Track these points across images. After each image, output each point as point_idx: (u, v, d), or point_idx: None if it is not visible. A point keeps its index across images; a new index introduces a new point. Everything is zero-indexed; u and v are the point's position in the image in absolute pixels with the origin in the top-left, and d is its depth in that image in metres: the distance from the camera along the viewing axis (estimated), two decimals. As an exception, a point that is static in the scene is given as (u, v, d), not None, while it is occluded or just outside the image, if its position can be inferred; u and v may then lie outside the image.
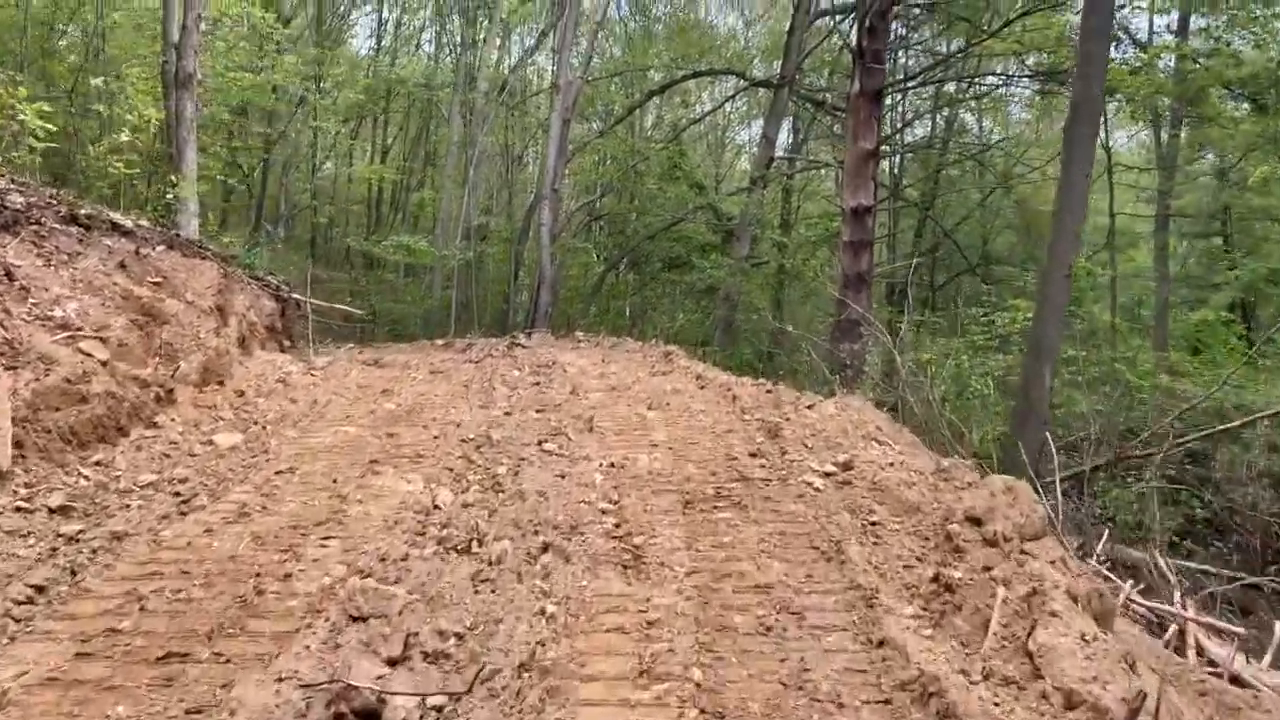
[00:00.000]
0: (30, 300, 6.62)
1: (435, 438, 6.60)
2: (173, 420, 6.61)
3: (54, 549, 4.45)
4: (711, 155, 36.66)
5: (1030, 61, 21.70)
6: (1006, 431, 9.52)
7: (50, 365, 5.89)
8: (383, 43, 33.96)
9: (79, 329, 6.56)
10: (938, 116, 27.91)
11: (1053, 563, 4.52)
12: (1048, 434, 9.04)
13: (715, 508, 5.08)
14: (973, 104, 25.35)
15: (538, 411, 7.12)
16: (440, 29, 29.23)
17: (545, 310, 20.70)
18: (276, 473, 5.73)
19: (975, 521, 4.72)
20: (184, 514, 5.00)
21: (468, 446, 6.09)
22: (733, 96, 26.85)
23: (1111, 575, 6.57)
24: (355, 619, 3.66)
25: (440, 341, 14.97)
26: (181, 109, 11.62)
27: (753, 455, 6.04)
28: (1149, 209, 28.89)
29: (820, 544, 4.56)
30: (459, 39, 24.79)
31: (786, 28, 23.45)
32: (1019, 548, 4.58)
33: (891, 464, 5.69)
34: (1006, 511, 4.73)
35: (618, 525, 4.76)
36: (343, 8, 30.59)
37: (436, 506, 5.06)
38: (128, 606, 3.87)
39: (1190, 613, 5.68)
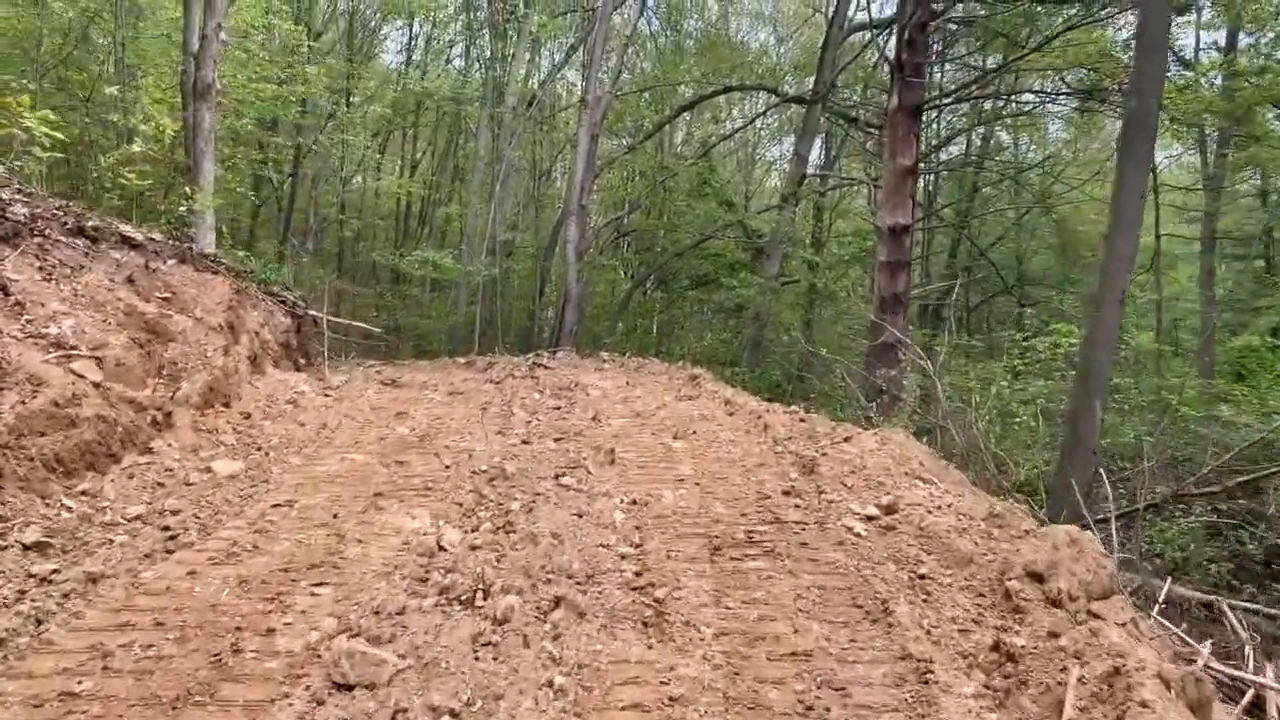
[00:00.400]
0: (25, 317, 6.29)
1: (447, 468, 6.19)
2: (170, 446, 6.24)
3: (22, 592, 4.06)
4: (741, 172, 36.29)
5: (1070, 78, 21.16)
6: (1053, 464, 8.97)
7: (38, 387, 5.54)
8: (413, 57, 33.93)
9: (74, 348, 6.22)
10: (973, 134, 27.37)
11: (1123, 625, 4.04)
12: (1100, 469, 8.50)
13: (746, 554, 4.62)
14: (1009, 122, 24.74)
15: (556, 440, 6.70)
16: (470, 43, 29.04)
17: (570, 328, 20.33)
18: (274, 505, 5.33)
19: (1036, 577, 4.24)
20: (170, 552, 4.61)
21: (480, 479, 5.66)
22: (764, 113, 26.43)
23: (1177, 630, 6.02)
24: (340, 687, 3.23)
25: (462, 360, 14.62)
26: (199, 120, 11.36)
27: (786, 494, 5.57)
28: (1189, 229, 28.19)
29: (864, 601, 4.09)
30: (488, 54, 24.52)
31: (820, 43, 23.06)
32: (1086, 608, 4.10)
33: (939, 506, 5.21)
34: (1071, 567, 4.24)
35: (638, 574, 4.32)
36: (374, 22, 30.55)
37: (442, 548, 4.64)
38: (90, 664, 3.47)
39: (1271, 677, 5.14)
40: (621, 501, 5.34)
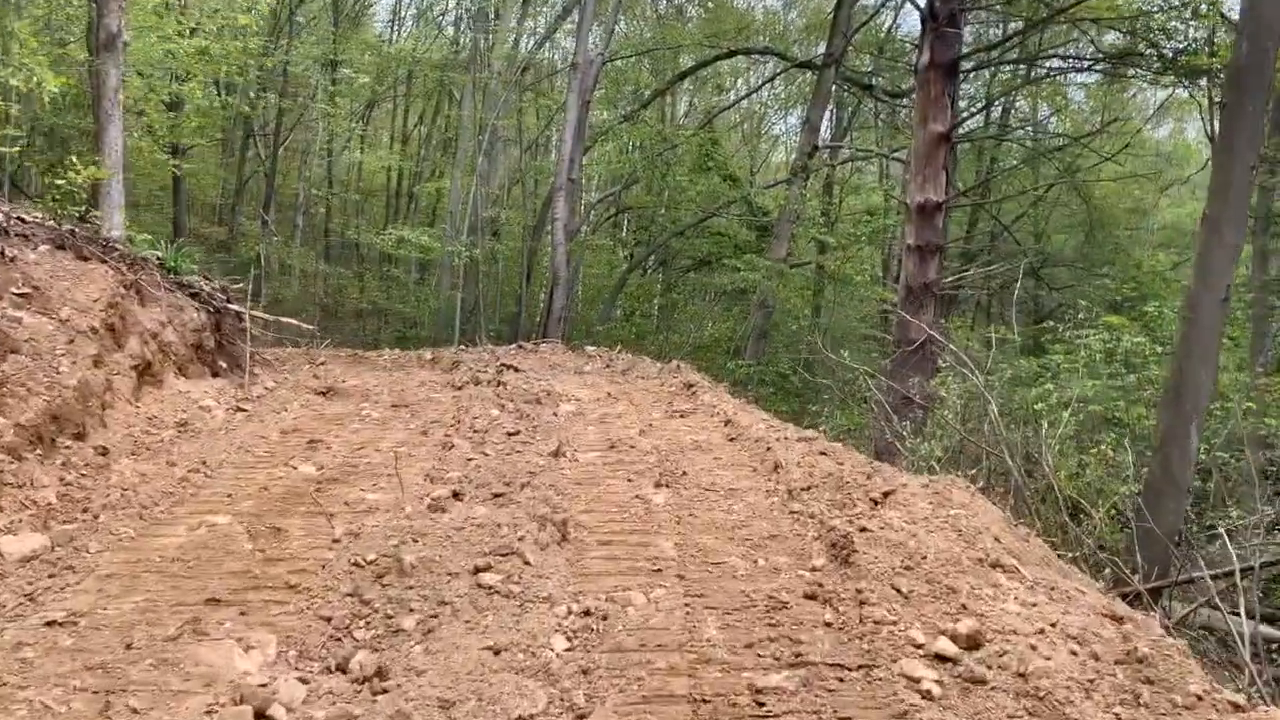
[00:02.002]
0: None
1: (335, 543, 4.43)
2: (-54, 512, 4.49)
3: None
4: (747, 145, 34.36)
5: (1110, 39, 19.21)
6: (1135, 499, 7.19)
7: None
8: (401, 25, 32.00)
9: None
10: (998, 103, 25.39)
11: None
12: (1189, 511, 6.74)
13: (753, 734, 2.88)
14: (1042, 87, 22.76)
15: (496, 496, 4.93)
16: (458, 3, 27.07)
17: (559, 315, 18.53)
18: (50, 623, 3.58)
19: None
20: None
21: (365, 576, 3.90)
22: (772, 79, 24.50)
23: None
24: None
25: (429, 354, 12.85)
26: (104, 77, 9.55)
27: (811, 597, 3.81)
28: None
29: None
30: (474, 9, 22.54)
31: (832, 4, 21.09)
32: None
33: (1043, 630, 3.45)
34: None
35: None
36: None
37: (268, 720, 2.90)
38: None
39: None
40: (567, 616, 3.59)
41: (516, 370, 10.29)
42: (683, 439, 7.00)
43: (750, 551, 4.37)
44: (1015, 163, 24.21)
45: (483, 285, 20.68)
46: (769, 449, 6.32)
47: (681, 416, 7.99)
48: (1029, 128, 23.25)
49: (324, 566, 4.13)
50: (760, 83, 25.52)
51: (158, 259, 8.89)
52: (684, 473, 5.82)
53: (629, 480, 5.54)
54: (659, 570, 4.09)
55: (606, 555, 4.30)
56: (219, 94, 28.67)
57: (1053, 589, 4.12)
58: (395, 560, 3.91)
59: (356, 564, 3.93)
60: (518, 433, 6.84)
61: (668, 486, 5.48)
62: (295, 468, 5.98)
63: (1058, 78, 23.08)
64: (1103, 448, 7.12)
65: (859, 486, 5.10)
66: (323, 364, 11.55)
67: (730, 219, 21.43)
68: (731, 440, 7.01)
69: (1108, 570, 6.62)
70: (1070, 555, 7.10)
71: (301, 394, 8.75)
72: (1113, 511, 7.03)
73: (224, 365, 9.20)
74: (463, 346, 15.85)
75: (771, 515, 4.96)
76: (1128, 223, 27.81)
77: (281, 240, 24.55)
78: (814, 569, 4.11)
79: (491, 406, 7.98)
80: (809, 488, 5.29)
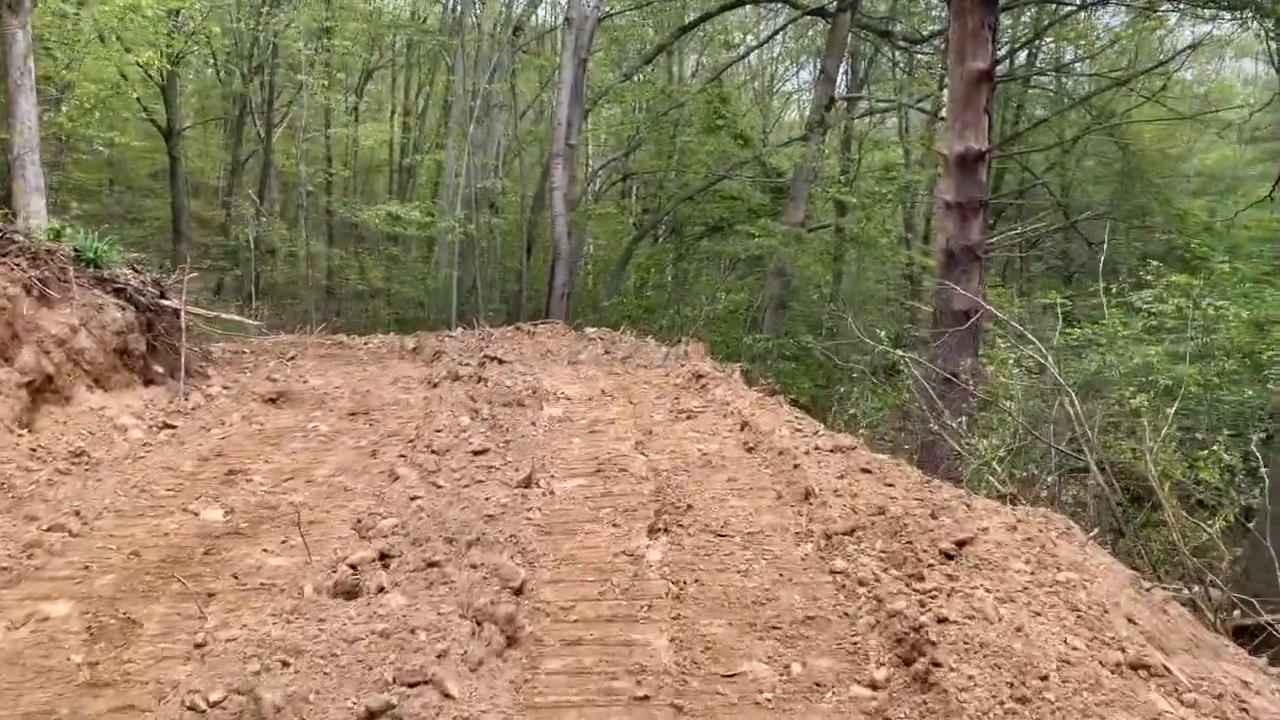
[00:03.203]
0: None
1: (190, 654, 3.15)
2: None
3: None
4: (758, 104, 32.71)
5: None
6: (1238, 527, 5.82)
7: None
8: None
9: None
10: (1021, 51, 23.65)
11: None
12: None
13: None
14: (1071, 26, 21.05)
15: (430, 565, 3.62)
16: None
17: (561, 292, 17.22)
18: None
19: None
20: None
21: (201, 727, 2.61)
22: (782, 29, 22.88)
23: None
24: None
25: (412, 343, 11.55)
26: (10, 42, 8.25)
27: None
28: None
29: None
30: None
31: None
32: None
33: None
34: None
35: None
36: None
37: None
38: None
39: None
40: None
41: (501, 363, 8.98)
42: (689, 452, 5.68)
43: (780, 650, 3.06)
44: (1043, 111, 22.53)
45: (480, 262, 19.33)
46: (796, 465, 5.00)
47: (689, 418, 6.67)
48: (1058, 73, 21.44)
49: (161, 700, 2.85)
50: (770, 33, 23.83)
51: (74, 251, 7.61)
52: (689, 506, 4.51)
53: (615, 526, 4.22)
54: (645, 697, 2.78)
55: (571, 666, 2.99)
56: (216, 71, 27.41)
57: (1219, 696, 2.80)
58: (251, 701, 2.62)
59: (193, 708, 2.64)
60: (485, 451, 5.54)
61: (666, 531, 4.17)
62: (197, 513, 4.71)
63: (1092, 16, 21.34)
64: (1215, 449, 5.73)
65: (922, 531, 3.76)
66: (293, 359, 10.33)
67: (743, 181, 19.95)
68: (749, 451, 5.69)
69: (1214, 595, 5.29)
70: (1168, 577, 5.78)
71: (246, 402, 7.50)
72: (1226, 522, 5.67)
73: (161, 371, 7.93)
74: (460, 329, 14.56)
75: (806, 577, 3.64)
76: (1164, 170, 26.07)
77: (275, 222, 23.24)
78: (874, 686, 2.80)
79: (463, 413, 6.69)
80: (853, 530, 3.96)
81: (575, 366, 9.12)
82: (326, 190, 29.60)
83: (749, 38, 27.13)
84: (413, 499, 4.61)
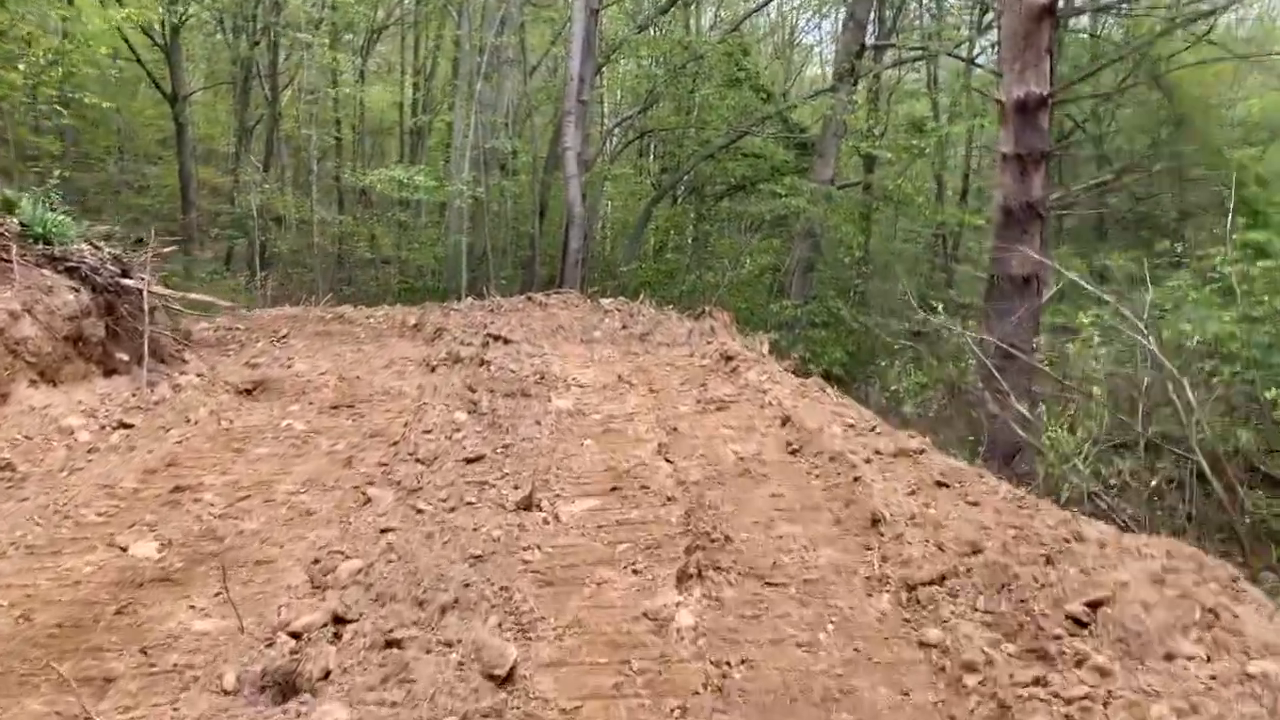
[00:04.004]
0: None
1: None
2: None
3: None
4: (780, 59, 31.40)
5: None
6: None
7: None
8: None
9: None
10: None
11: None
12: None
13: None
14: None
15: (389, 645, 2.75)
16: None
17: (576, 258, 16.22)
18: None
19: None
20: None
21: None
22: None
23: None
24: None
25: (413, 318, 10.65)
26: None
27: None
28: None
29: None
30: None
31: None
32: None
33: None
34: None
35: None
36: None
37: None
38: None
39: None
40: None
41: (507, 342, 8.07)
42: (722, 456, 4.77)
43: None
44: (1087, 53, 21.15)
45: (490, 227, 18.35)
46: (856, 478, 4.08)
47: (719, 409, 5.75)
48: (1121, 10, 19.91)
49: None
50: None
51: (20, 226, 6.73)
52: (726, 538, 3.60)
53: (635, 572, 3.32)
54: None
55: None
56: (223, 34, 26.40)
57: None
58: None
59: None
60: (479, 459, 4.66)
61: (700, 577, 3.26)
62: (125, 548, 3.86)
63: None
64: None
65: (1039, 586, 2.84)
66: (285, 337, 9.47)
67: (765, 138, 18.84)
68: (794, 454, 4.77)
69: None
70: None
71: (218, 394, 6.63)
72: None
73: (125, 359, 7.07)
74: (470, 299, 13.64)
75: (888, 653, 2.73)
76: (1210, 118, 24.66)
77: (280, 189, 22.33)
78: None
79: (458, 406, 5.81)
80: (943, 579, 3.05)
81: (589, 345, 8.20)
82: (336, 154, 28.64)
83: (771, -12, 25.80)
84: (383, 532, 3.73)
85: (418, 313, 10.98)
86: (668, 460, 4.64)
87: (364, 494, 4.24)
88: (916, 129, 19.12)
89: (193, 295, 7.56)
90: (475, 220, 19.02)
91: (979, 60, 20.16)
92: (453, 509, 3.95)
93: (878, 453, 4.52)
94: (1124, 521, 4.89)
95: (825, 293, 16.74)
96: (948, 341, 10.49)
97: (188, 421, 5.95)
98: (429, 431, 5.19)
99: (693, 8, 24.90)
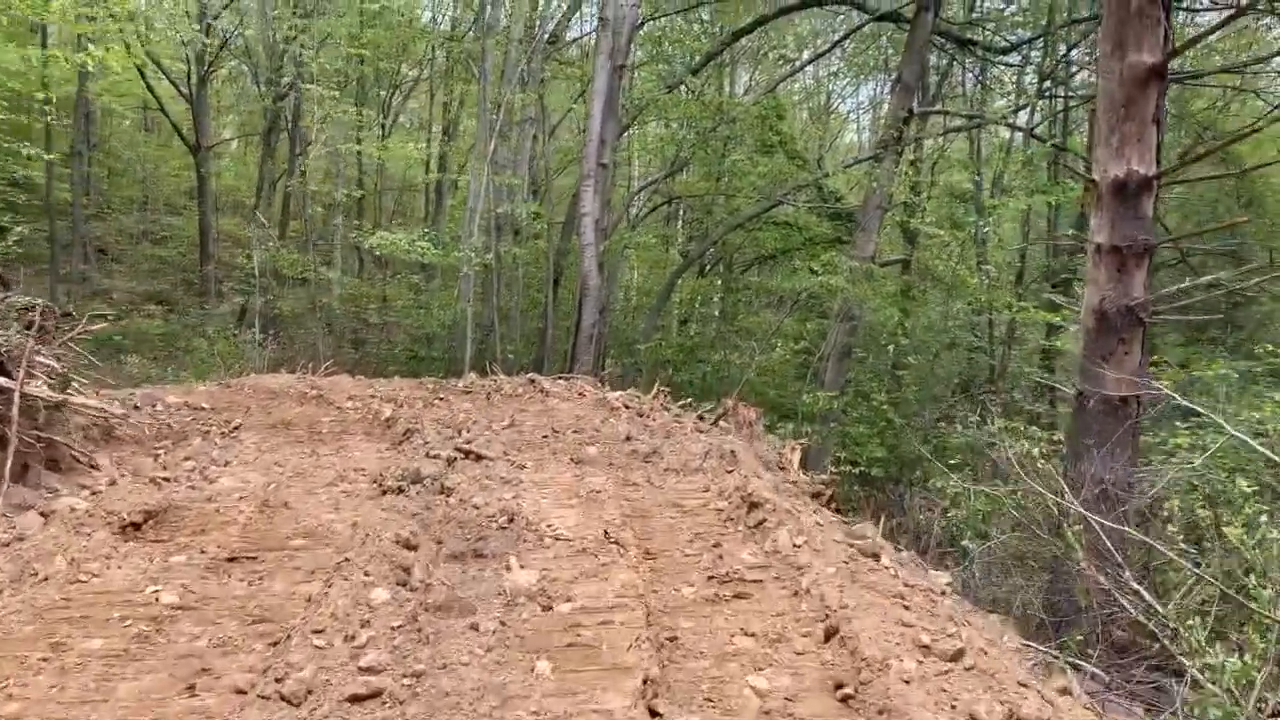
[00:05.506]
0: None
1: None
2: None
3: None
4: (816, 123, 30.25)
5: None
6: None
7: None
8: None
9: None
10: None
11: None
12: None
13: None
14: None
15: None
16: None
17: (589, 335, 14.80)
18: None
19: None
20: None
21: None
22: (846, 37, 20.39)
23: None
24: None
25: (388, 411, 9.14)
26: None
27: None
28: None
29: None
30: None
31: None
32: None
33: None
34: None
35: None
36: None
37: None
38: None
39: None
40: None
41: (479, 459, 6.54)
42: (736, 700, 3.19)
43: None
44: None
45: (499, 297, 16.96)
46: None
47: (737, 595, 4.18)
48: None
49: None
50: (836, 39, 21.33)
51: None
52: None
53: None
54: None
55: None
56: (255, 85, 25.63)
57: None
58: None
59: None
60: (375, 695, 3.11)
61: None
62: None
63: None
64: None
65: None
66: (237, 428, 8.04)
67: (799, 207, 17.42)
68: (845, 701, 3.18)
69: None
70: None
71: (95, 530, 5.12)
72: None
73: (20, 469, 5.63)
74: (472, 375, 12.19)
75: None
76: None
77: (284, 246, 21.14)
78: None
79: (386, 574, 4.28)
80: None
81: (581, 465, 6.64)
82: (358, 212, 27.62)
83: (805, 53, 24.66)
84: None
85: (391, 407, 9.46)
86: (654, 716, 3.06)
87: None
88: (974, 209, 17.53)
89: (74, 399, 6.05)
90: (486, 287, 17.69)
91: (1038, 131, 18.74)
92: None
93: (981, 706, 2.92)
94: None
95: (863, 379, 15.16)
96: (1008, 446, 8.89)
97: (33, 576, 4.46)
98: (321, 632, 3.64)
99: (726, 69, 23.76)
